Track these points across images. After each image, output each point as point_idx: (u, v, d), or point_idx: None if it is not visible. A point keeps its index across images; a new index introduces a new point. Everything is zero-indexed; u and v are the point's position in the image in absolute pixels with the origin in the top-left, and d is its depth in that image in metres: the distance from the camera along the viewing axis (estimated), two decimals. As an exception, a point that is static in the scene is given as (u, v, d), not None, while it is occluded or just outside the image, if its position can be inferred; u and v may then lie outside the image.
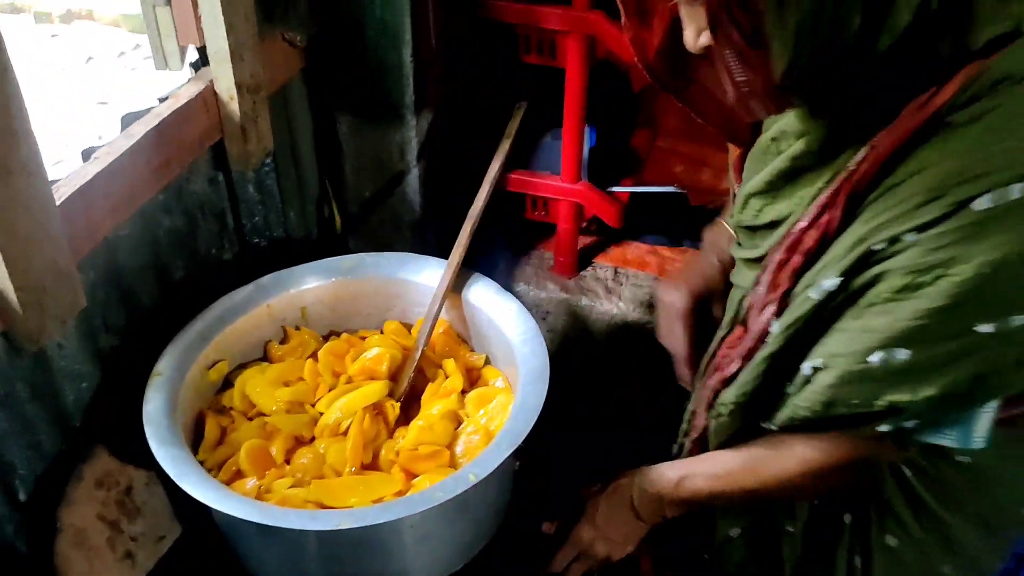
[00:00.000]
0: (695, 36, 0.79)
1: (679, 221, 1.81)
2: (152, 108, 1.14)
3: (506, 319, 1.15)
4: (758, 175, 0.90)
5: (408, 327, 1.27)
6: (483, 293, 1.20)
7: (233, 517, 0.89)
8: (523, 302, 1.18)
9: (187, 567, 1.16)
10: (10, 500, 1.04)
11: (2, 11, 4.27)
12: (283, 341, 1.23)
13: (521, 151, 1.67)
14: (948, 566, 0.98)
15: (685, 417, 1.10)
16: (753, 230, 0.95)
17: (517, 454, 1.01)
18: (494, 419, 1.09)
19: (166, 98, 1.16)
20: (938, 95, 0.69)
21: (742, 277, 1.01)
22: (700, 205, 1.76)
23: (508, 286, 1.26)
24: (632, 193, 1.73)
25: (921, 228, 0.69)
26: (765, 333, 0.86)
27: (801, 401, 0.82)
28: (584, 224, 1.76)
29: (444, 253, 1.29)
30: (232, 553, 1.07)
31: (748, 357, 0.89)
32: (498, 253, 1.76)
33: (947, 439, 0.78)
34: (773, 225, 0.90)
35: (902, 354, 0.73)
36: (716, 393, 0.95)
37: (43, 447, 1.08)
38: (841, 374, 0.77)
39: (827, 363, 0.79)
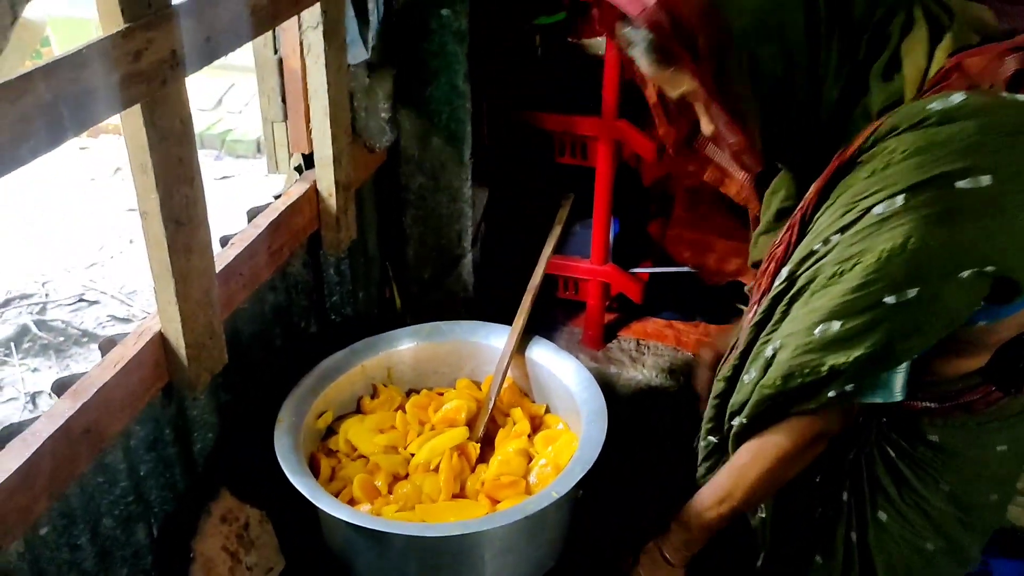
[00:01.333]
0: (707, 124, 1.06)
1: (692, 299, 2.05)
2: (270, 203, 1.38)
3: (566, 372, 1.37)
4: (763, 221, 1.19)
5: (477, 384, 1.49)
6: (543, 352, 1.42)
7: (356, 530, 1.09)
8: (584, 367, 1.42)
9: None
10: (149, 534, 1.23)
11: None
12: (374, 396, 1.45)
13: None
14: (930, 543, 1.15)
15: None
16: (757, 264, 1.19)
17: (581, 484, 1.22)
18: (561, 454, 1.30)
19: (280, 195, 1.41)
20: (852, 145, 0.95)
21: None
22: (712, 285, 2.01)
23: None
24: (651, 273, 1.98)
25: (842, 230, 0.93)
26: None
27: (766, 381, 1.01)
28: (609, 302, 2.00)
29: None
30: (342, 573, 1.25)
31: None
32: (534, 329, 1.99)
33: (877, 397, 0.99)
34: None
35: (835, 325, 0.93)
36: (720, 402, 1.15)
37: (177, 487, 1.27)
38: (794, 348, 0.97)
39: (784, 342, 0.99)
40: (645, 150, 1.73)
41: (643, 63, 1.02)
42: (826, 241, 0.95)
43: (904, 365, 0.98)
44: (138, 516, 1.20)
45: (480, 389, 1.47)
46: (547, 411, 1.45)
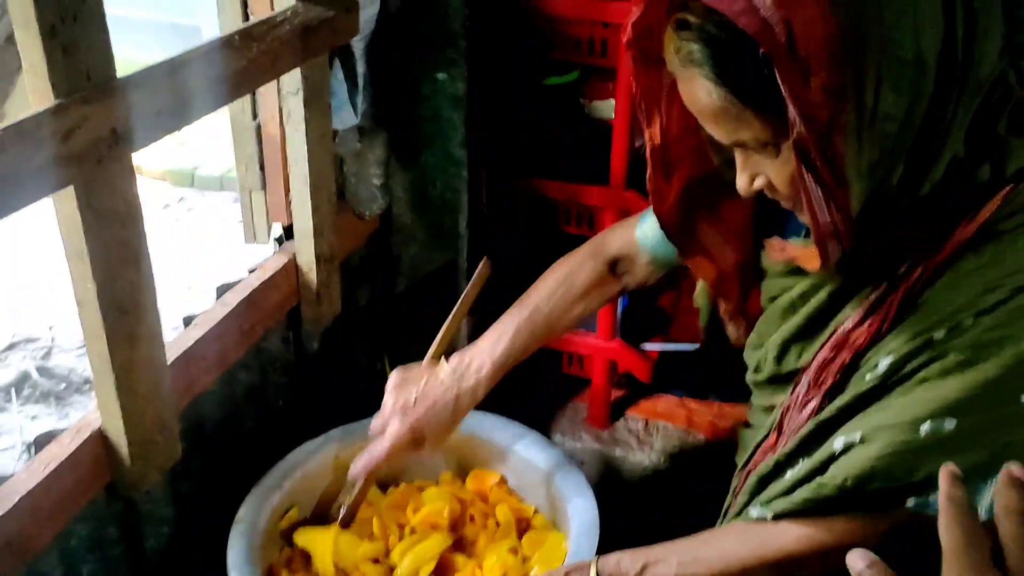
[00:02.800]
0: (749, 182, 0.85)
1: (706, 376, 1.92)
2: (243, 279, 1.28)
3: (558, 475, 1.24)
4: (789, 322, 0.95)
5: (462, 479, 1.37)
6: (532, 447, 1.30)
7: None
8: (577, 466, 1.28)
9: None
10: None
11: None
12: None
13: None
14: None
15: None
16: (780, 378, 1.00)
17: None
18: (551, 560, 1.17)
19: (254, 269, 1.31)
20: (983, 211, 0.79)
21: (757, 419, 1.07)
22: (723, 361, 1.87)
23: (546, 436, 1.36)
24: (661, 350, 1.85)
25: (979, 314, 0.78)
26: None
27: (829, 479, 0.83)
28: (616, 379, 1.87)
29: (494, 408, 1.39)
30: None
31: None
32: (536, 405, 1.87)
33: None
34: (800, 369, 0.95)
35: (949, 424, 0.78)
36: (749, 499, 0.96)
37: (124, 589, 1.16)
38: (885, 446, 0.80)
39: (869, 436, 0.82)
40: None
41: (700, 90, 0.78)
42: (953, 327, 0.79)
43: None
44: (77, 623, 1.10)
45: (464, 485, 1.35)
46: (536, 512, 1.32)
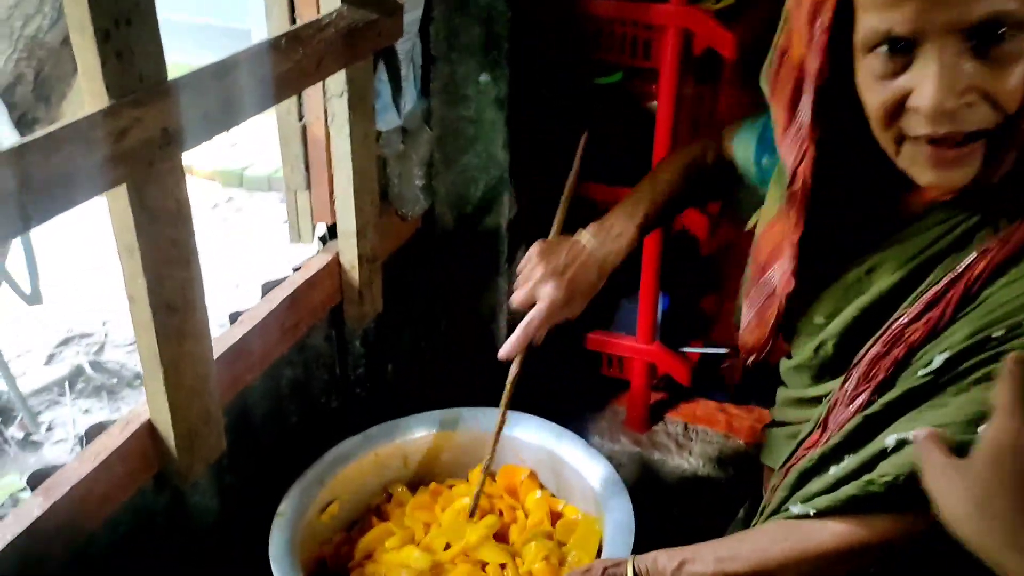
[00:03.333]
0: (956, 96, 0.74)
1: (747, 380, 1.90)
2: (287, 277, 1.31)
3: (593, 475, 1.25)
4: (847, 310, 0.93)
5: (493, 475, 1.38)
6: (571, 449, 1.30)
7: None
8: (608, 461, 1.28)
9: None
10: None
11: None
12: (388, 500, 1.34)
13: (599, 312, 1.81)
14: None
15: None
16: (824, 368, 0.98)
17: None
18: (587, 545, 1.18)
19: (299, 268, 1.33)
20: None
21: (792, 413, 1.06)
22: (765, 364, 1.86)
23: (584, 437, 1.36)
24: (703, 353, 1.85)
25: None
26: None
27: (878, 476, 0.82)
28: (655, 381, 1.87)
29: (532, 408, 1.40)
30: None
31: None
32: (575, 406, 1.87)
33: None
34: (848, 359, 0.92)
35: None
36: (789, 494, 0.94)
37: (171, 577, 1.19)
38: None
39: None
40: (697, 226, 1.62)
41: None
42: (1014, 327, 0.77)
43: None
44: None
45: (495, 481, 1.36)
46: (565, 504, 1.32)
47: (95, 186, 0.83)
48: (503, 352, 1.16)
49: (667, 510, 1.78)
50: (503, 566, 1.19)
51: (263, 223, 4.10)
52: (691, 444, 1.82)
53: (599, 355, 1.83)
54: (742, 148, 1.17)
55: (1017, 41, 0.72)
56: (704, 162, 1.23)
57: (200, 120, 0.93)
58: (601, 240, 1.17)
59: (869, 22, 0.77)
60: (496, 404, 1.42)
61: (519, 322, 1.15)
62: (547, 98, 1.61)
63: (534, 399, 1.45)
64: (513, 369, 1.20)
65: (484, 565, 1.20)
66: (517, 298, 1.17)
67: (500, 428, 1.25)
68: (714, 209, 1.68)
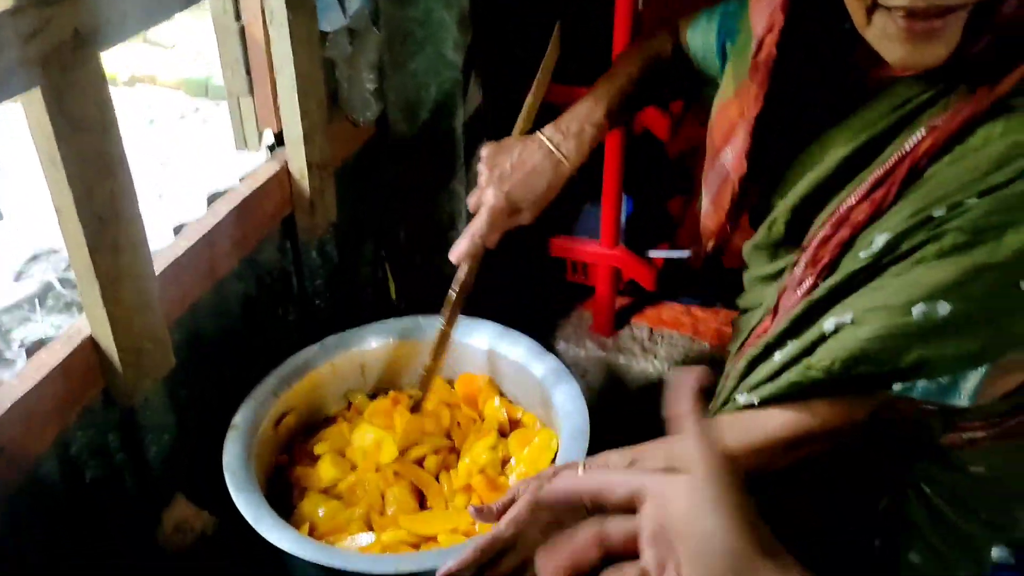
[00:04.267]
0: None
1: (713, 283, 1.90)
2: (233, 188, 1.27)
3: (548, 378, 1.24)
4: (801, 183, 0.91)
5: (451, 382, 1.37)
6: (526, 353, 1.29)
7: (306, 562, 0.98)
8: (563, 360, 1.27)
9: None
10: (98, 545, 1.15)
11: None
12: (348, 408, 1.34)
13: (563, 217, 1.78)
14: (962, 571, 1.01)
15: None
16: (778, 245, 0.97)
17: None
18: (539, 458, 1.18)
19: (245, 177, 1.29)
20: (1001, 84, 0.74)
21: (755, 295, 1.04)
22: (732, 267, 1.84)
23: (549, 345, 1.35)
24: (666, 257, 1.83)
25: (983, 193, 0.73)
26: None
27: (817, 360, 0.81)
28: (621, 286, 1.86)
29: (493, 314, 1.39)
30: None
31: None
32: (540, 312, 1.86)
33: (941, 399, 0.80)
34: (799, 236, 0.91)
35: (943, 308, 0.74)
36: (737, 384, 0.93)
37: (128, 494, 1.18)
38: (878, 327, 0.77)
39: (860, 318, 0.78)
40: (658, 126, 1.58)
41: None
42: (954, 205, 0.74)
43: (986, 366, 0.78)
44: (85, 526, 1.12)
45: (453, 388, 1.35)
46: (524, 412, 1.32)
47: (4, 91, 0.79)
48: (451, 255, 1.14)
49: (632, 413, 1.79)
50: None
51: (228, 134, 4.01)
52: (656, 348, 1.82)
53: (563, 261, 1.81)
54: (700, 37, 1.13)
55: None
56: (663, 56, 1.19)
57: (117, 19, 0.87)
58: (559, 141, 1.12)
59: None
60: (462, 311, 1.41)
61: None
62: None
63: (497, 307, 1.43)
64: (459, 274, 1.17)
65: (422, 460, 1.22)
66: (470, 203, 1.13)
67: (446, 332, 1.22)
68: (676, 109, 1.64)
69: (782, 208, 0.93)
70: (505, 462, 1.22)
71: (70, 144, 0.88)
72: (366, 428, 1.24)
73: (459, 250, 1.12)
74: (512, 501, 0.95)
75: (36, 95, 0.83)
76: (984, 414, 0.90)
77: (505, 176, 1.09)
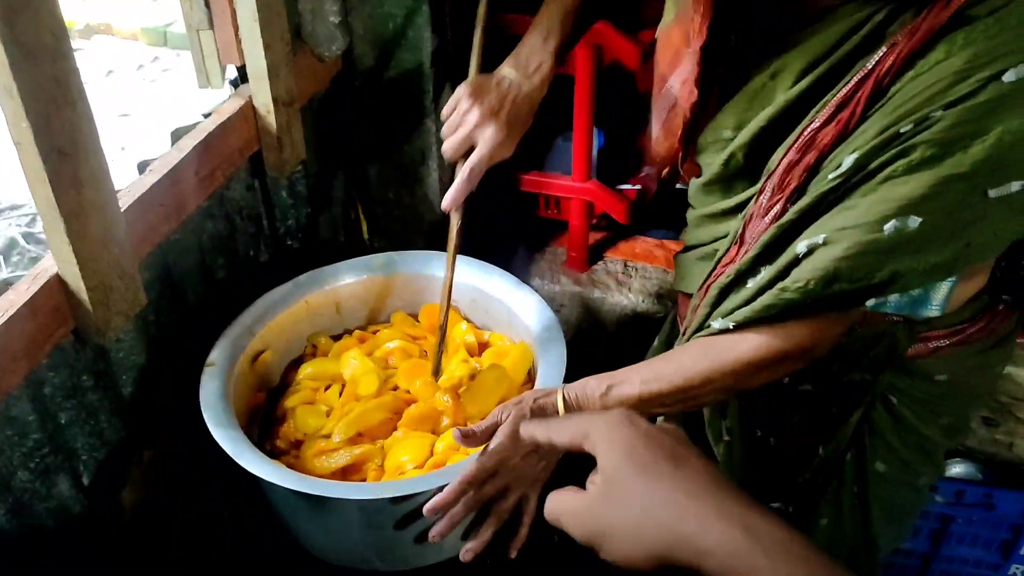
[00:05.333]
0: None
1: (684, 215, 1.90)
2: (198, 123, 1.24)
3: (525, 310, 1.24)
4: (754, 121, 0.91)
5: (414, 316, 1.38)
6: (501, 285, 1.30)
7: (286, 491, 0.99)
8: (539, 295, 1.28)
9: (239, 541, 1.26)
10: (75, 484, 1.15)
11: (24, 27, 4.38)
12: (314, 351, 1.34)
13: (534, 153, 1.77)
14: (924, 478, 1.06)
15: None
16: (734, 178, 0.97)
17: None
18: (517, 368, 1.19)
19: (210, 113, 1.27)
20: None
21: (705, 232, 1.05)
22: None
23: (524, 280, 1.36)
24: (639, 189, 1.83)
25: (949, 105, 0.74)
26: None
27: (792, 283, 0.82)
28: (594, 221, 1.85)
29: (469, 250, 1.38)
30: (285, 527, 1.17)
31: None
32: (514, 249, 1.86)
33: (912, 311, 0.82)
34: (757, 168, 0.92)
35: (914, 221, 0.75)
36: (710, 311, 0.95)
37: (104, 434, 1.18)
38: (850, 245, 0.78)
39: (832, 238, 0.79)
40: (628, 56, 1.56)
41: None
42: (921, 120, 0.75)
43: (955, 275, 0.81)
44: (59, 467, 1.12)
45: (417, 322, 1.35)
46: (490, 335, 1.33)
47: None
48: (446, 203, 1.13)
49: (608, 345, 1.80)
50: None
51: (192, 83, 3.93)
52: (630, 281, 1.82)
53: (535, 196, 1.80)
54: None
55: None
56: None
57: (67, -59, 0.84)
58: (522, 74, 1.12)
59: None
60: (430, 247, 1.40)
61: (450, 169, 1.11)
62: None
63: (473, 244, 1.42)
64: (455, 220, 1.17)
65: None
66: (451, 146, 1.11)
67: (450, 283, 1.20)
68: (647, 38, 1.62)
69: (739, 142, 0.93)
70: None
71: (26, 74, 0.85)
72: (350, 356, 1.24)
73: (455, 193, 1.11)
74: (495, 425, 0.96)
75: (-13, 21, 0.80)
76: (947, 323, 0.92)
77: (494, 110, 1.09)
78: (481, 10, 1.18)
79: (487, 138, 1.09)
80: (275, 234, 1.50)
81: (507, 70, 1.12)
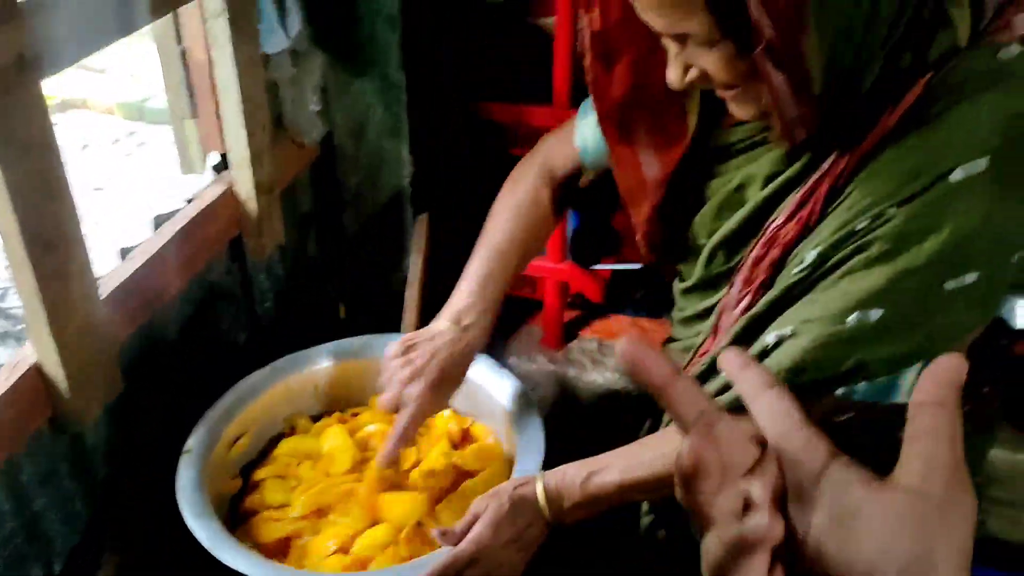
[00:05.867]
0: (682, 73, 0.84)
1: (659, 294, 1.94)
2: (180, 209, 1.26)
3: (503, 393, 1.26)
4: (725, 225, 0.96)
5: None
6: (479, 368, 1.31)
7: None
8: (514, 374, 1.29)
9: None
10: (47, 572, 1.13)
11: (1, 102, 4.41)
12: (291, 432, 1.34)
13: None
14: None
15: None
16: (715, 281, 1.00)
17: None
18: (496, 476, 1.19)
19: (192, 199, 1.29)
20: (904, 100, 0.79)
21: (689, 330, 1.08)
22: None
23: (500, 359, 1.37)
24: (615, 270, 1.86)
25: (902, 202, 0.77)
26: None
27: None
28: (569, 299, 1.89)
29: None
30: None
31: None
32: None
33: (883, 398, 0.84)
34: (733, 270, 0.96)
35: (875, 314, 0.79)
36: None
37: (78, 521, 1.17)
38: (816, 336, 0.81)
39: (799, 329, 0.82)
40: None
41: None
42: (876, 217, 0.79)
43: (921, 364, 0.83)
44: (32, 556, 1.10)
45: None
46: (472, 422, 1.33)
47: (-54, 117, 0.78)
48: (380, 461, 1.12)
49: (584, 424, 1.82)
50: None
51: (169, 158, 3.96)
52: (605, 359, 1.85)
53: (512, 276, 1.83)
54: (591, 128, 1.13)
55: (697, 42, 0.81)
56: (539, 208, 1.20)
57: (61, 43, 0.87)
58: (460, 330, 1.13)
59: None
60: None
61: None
62: (435, 20, 1.57)
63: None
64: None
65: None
66: (383, 403, 1.12)
67: None
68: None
69: (714, 241, 0.98)
70: (460, 473, 1.22)
71: (13, 168, 0.87)
72: (332, 431, 1.24)
73: (390, 451, 1.10)
74: (473, 520, 0.97)
75: (-22, 119, 0.83)
76: None
77: (419, 371, 1.09)
78: (418, 270, 1.21)
79: (412, 397, 1.09)
80: (253, 316, 1.51)
81: (443, 323, 1.14)
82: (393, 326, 1.64)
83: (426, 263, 1.22)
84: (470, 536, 0.96)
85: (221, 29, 1.18)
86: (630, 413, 1.79)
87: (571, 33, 1.52)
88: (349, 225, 1.63)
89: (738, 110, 0.87)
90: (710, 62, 0.81)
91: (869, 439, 0.97)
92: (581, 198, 1.79)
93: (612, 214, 2.03)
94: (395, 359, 1.12)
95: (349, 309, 1.71)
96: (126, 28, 0.96)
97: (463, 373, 1.14)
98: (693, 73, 0.84)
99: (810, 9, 0.72)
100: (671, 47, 0.84)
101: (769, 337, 0.85)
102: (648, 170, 1.00)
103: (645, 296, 1.95)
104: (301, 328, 1.60)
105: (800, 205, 0.85)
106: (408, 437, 1.11)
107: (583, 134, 1.16)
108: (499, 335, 1.89)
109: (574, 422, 1.82)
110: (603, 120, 1.02)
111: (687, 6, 0.76)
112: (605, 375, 1.82)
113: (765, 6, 0.72)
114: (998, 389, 1.02)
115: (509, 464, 1.20)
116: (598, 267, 1.85)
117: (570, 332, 1.90)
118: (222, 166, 1.36)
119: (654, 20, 0.81)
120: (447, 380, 1.11)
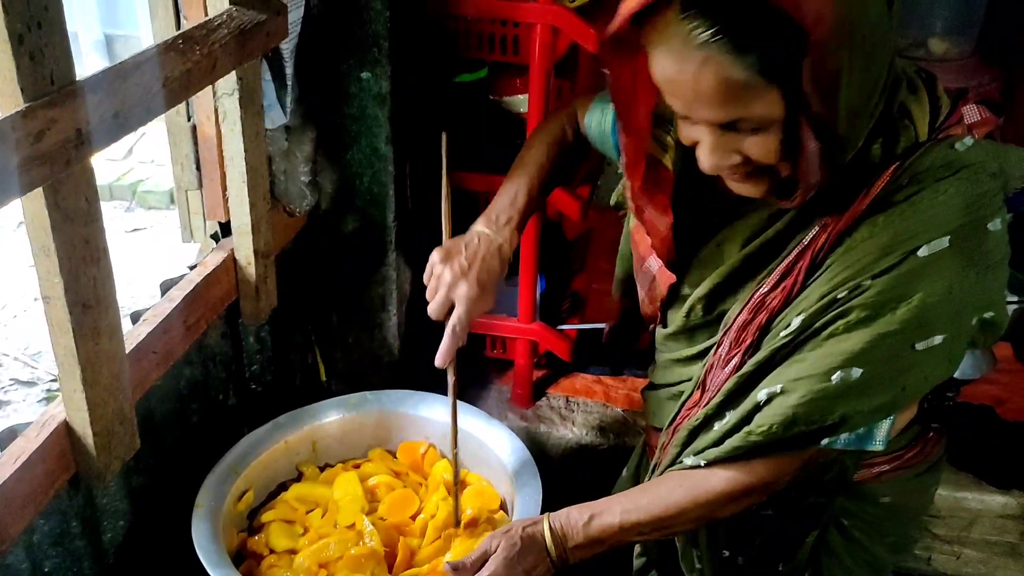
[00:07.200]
0: (726, 159, 0.89)
1: (620, 353, 2.05)
2: (185, 275, 1.32)
3: (498, 444, 1.34)
4: (708, 280, 1.05)
5: (392, 453, 1.45)
6: (474, 421, 1.39)
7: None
8: (510, 430, 1.37)
9: None
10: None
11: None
12: (299, 479, 1.39)
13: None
14: None
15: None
16: (695, 330, 1.11)
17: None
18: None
19: (195, 265, 1.35)
20: (876, 185, 0.91)
21: (672, 375, 1.18)
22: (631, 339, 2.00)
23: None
24: (579, 330, 1.97)
25: (877, 275, 0.89)
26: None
27: (756, 426, 0.95)
28: (537, 359, 1.98)
29: (419, 388, 1.48)
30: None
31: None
32: (462, 389, 1.95)
33: (860, 445, 0.96)
34: (719, 318, 1.06)
35: (857, 372, 0.90)
36: (680, 450, 1.05)
37: (86, 579, 1.19)
38: (804, 393, 0.92)
39: (788, 387, 0.93)
40: (570, 209, 1.74)
41: (711, 69, 0.80)
42: (854, 287, 0.90)
43: (894, 414, 0.95)
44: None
45: (395, 458, 1.43)
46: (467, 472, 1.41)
47: (14, 190, 0.84)
48: (439, 360, 1.20)
49: (556, 477, 1.89)
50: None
51: (162, 232, 3.92)
52: (573, 415, 1.94)
53: (483, 337, 1.92)
54: (596, 127, 1.26)
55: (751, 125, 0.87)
56: (565, 139, 1.32)
57: (111, 119, 0.95)
58: (493, 231, 1.23)
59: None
60: (388, 388, 1.49)
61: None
62: (414, 97, 1.67)
63: (421, 384, 1.52)
64: (451, 377, 1.24)
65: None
66: (433, 308, 1.19)
67: (455, 436, 1.27)
68: (584, 193, 1.81)
69: (698, 296, 1.08)
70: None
71: (62, 235, 0.93)
72: (346, 478, 1.30)
73: (445, 351, 1.19)
74: (485, 556, 1.04)
75: (37, 192, 0.89)
76: (888, 449, 1.08)
77: (464, 270, 1.18)
78: (444, 180, 1.31)
79: (462, 296, 1.17)
80: (242, 379, 1.55)
81: (479, 227, 1.24)
82: (371, 387, 1.70)
83: (449, 177, 1.32)
84: (484, 573, 1.03)
85: (232, 106, 1.26)
86: (599, 466, 1.88)
87: (542, 109, 1.64)
88: (336, 289, 1.70)
89: (748, 189, 0.94)
90: (755, 144, 0.87)
91: (832, 478, 1.10)
92: (545, 263, 1.91)
93: (573, 278, 2.16)
94: (439, 264, 1.18)
95: (328, 370, 1.77)
96: (162, 106, 1.04)
97: (501, 271, 1.20)
98: (735, 159, 0.89)
99: (843, 84, 0.82)
100: (707, 137, 0.89)
101: (761, 394, 0.96)
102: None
103: (608, 356, 2.06)
104: (284, 390, 1.65)
105: (784, 275, 0.97)
106: (460, 336, 1.17)
107: (589, 123, 1.27)
108: (470, 394, 1.97)
109: (546, 475, 1.89)
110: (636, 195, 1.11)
111: (753, 90, 0.82)
112: (574, 430, 1.90)
113: (815, 82, 0.80)
114: (943, 432, 1.16)
115: (504, 506, 1.27)
116: (565, 327, 1.95)
117: (538, 390, 1.98)
118: (220, 234, 1.42)
119: (710, 113, 0.85)
120: (488, 276, 1.18)
